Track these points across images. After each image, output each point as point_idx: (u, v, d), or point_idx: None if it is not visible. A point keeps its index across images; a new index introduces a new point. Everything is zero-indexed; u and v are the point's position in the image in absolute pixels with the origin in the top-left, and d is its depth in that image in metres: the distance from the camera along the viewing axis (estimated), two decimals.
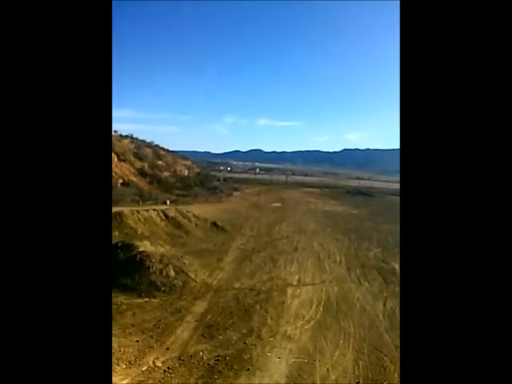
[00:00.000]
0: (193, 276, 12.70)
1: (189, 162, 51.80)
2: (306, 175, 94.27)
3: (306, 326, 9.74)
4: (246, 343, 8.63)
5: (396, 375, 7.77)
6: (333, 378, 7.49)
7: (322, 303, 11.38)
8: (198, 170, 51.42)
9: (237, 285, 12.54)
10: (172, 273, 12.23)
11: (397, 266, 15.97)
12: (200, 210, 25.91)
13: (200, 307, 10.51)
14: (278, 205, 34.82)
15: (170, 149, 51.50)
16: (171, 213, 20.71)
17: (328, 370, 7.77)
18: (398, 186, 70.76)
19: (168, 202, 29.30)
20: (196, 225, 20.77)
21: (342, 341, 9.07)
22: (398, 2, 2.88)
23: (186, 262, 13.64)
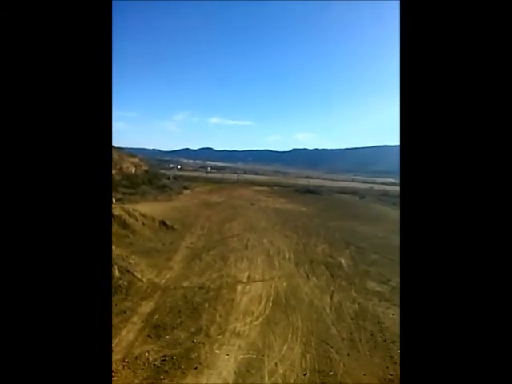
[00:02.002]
0: (139, 276, 12.23)
1: (136, 160, 49.78)
2: (256, 174, 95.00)
3: (255, 322, 9.75)
4: (194, 342, 8.44)
5: (341, 365, 8.02)
6: (281, 371, 7.55)
7: (271, 299, 11.47)
8: (146, 168, 49.63)
9: (185, 284, 12.26)
10: (117, 273, 11.66)
11: (343, 261, 16.59)
12: (148, 208, 25.06)
13: (146, 307, 10.13)
14: (233, 202, 34.68)
15: (116, 145, 49.27)
16: (116, 211, 19.70)
17: (276, 364, 7.83)
18: (344, 184, 73.67)
19: (113, 200, 28.02)
20: (143, 224, 20.00)
21: (290, 335, 9.19)
22: (398, 2, 2.89)
23: (132, 261, 13.09)
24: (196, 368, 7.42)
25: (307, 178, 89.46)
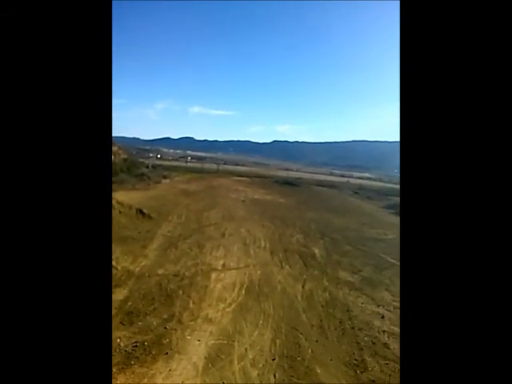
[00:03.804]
0: (113, 263, 12.15)
1: (115, 148, 48.55)
2: (237, 165, 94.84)
3: (228, 309, 9.91)
4: (166, 328, 8.53)
5: (310, 351, 8.29)
6: (250, 356, 7.75)
7: (245, 286, 11.65)
8: (125, 156, 48.66)
9: (160, 271, 12.27)
10: None
11: (317, 251, 16.93)
12: (125, 196, 24.72)
13: (120, 294, 10.12)
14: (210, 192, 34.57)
15: None
16: None
17: (246, 349, 8.02)
18: (322, 177, 74.48)
19: None
20: (120, 212, 19.74)
21: (261, 321, 9.40)
22: (398, 2, 2.88)
23: None
24: (167, 353, 7.51)
25: (287, 170, 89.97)
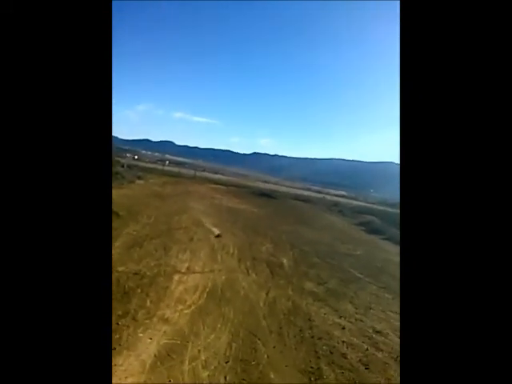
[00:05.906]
0: None
1: None
2: (216, 173, 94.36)
3: (186, 311, 9.59)
4: (118, 324, 8.13)
5: (265, 356, 8.09)
6: (203, 358, 7.47)
7: (207, 290, 11.35)
8: None
9: (120, 268, 11.80)
10: None
11: (285, 261, 16.84)
12: None
13: None
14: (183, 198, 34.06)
15: None
16: None
17: (199, 351, 7.74)
18: (299, 191, 74.99)
19: None
20: None
21: (219, 325, 9.14)
22: (398, 2, 2.84)
23: None
24: (114, 349, 7.13)
25: (265, 182, 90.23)
